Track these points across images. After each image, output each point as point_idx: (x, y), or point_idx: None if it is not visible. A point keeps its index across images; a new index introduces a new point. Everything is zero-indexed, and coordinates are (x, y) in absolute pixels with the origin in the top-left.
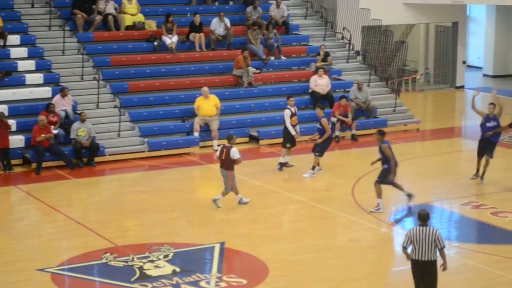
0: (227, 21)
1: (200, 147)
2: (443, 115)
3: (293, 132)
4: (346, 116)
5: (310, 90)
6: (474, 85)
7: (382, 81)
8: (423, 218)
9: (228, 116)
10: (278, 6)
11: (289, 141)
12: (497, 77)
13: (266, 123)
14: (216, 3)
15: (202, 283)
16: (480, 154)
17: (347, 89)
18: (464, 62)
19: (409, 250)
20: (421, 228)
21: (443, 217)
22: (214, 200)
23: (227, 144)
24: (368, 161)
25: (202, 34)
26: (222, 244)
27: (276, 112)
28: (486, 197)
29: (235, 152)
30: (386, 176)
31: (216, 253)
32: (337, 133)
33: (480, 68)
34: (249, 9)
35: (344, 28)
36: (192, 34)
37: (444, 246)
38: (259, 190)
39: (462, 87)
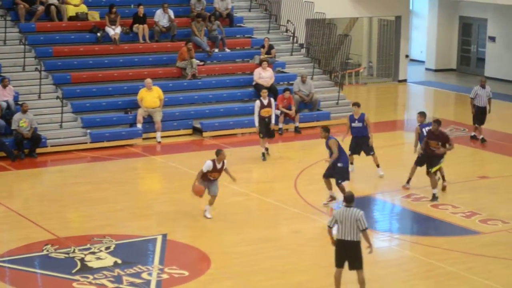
0: (171, 12)
1: (143, 138)
2: (385, 108)
3: (256, 124)
4: (289, 109)
5: (254, 83)
6: (417, 79)
7: (326, 74)
8: (348, 199)
9: (172, 108)
10: None
11: (260, 131)
12: (439, 71)
13: (209, 115)
14: None
15: (144, 275)
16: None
17: (291, 82)
18: (407, 56)
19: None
20: (345, 208)
21: (385, 209)
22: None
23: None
24: (311, 153)
25: (145, 26)
26: (164, 235)
27: (219, 104)
28: (427, 190)
29: (205, 164)
30: (345, 173)
31: (158, 244)
32: (280, 125)
33: (422, 62)
34: (193, 1)
35: (288, 21)
36: (135, 26)
37: (365, 228)
38: None
39: (405, 80)
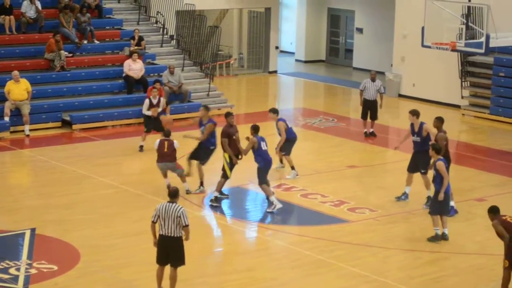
0: (38, 3)
1: (11, 132)
2: (256, 99)
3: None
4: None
5: (124, 75)
6: (287, 70)
7: (196, 66)
8: (171, 194)
9: (40, 101)
10: None
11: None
12: (309, 62)
13: (79, 107)
14: None
15: (12, 270)
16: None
17: (161, 74)
18: (277, 48)
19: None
20: (168, 204)
21: (256, 200)
22: (187, 191)
23: (165, 138)
24: (182, 146)
25: (12, 17)
26: (33, 230)
27: (89, 96)
28: (296, 180)
29: (177, 144)
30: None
31: (26, 239)
32: None
33: (292, 53)
34: None
35: (158, 13)
36: (1, 17)
37: (187, 224)
38: (71, 175)
39: (275, 72)
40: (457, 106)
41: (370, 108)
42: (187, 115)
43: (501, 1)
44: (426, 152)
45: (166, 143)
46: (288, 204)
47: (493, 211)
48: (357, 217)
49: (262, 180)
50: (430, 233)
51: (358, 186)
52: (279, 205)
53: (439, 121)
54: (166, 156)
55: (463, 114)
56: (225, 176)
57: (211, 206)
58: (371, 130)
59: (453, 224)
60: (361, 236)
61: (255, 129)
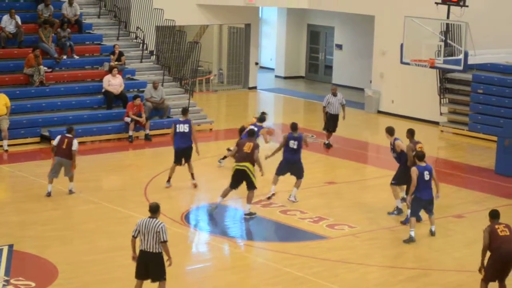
0: (18, 18)
1: None
2: (236, 115)
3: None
4: (139, 116)
5: (103, 90)
6: (267, 86)
7: (176, 81)
8: (152, 210)
9: (19, 116)
10: (70, 4)
11: None
12: (288, 78)
13: (58, 122)
14: (7, 0)
15: None
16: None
17: (141, 89)
18: (256, 63)
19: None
20: (148, 219)
21: (235, 216)
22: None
23: (68, 135)
24: (161, 161)
25: None
26: (10, 246)
27: (68, 111)
28: (276, 196)
29: (76, 144)
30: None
31: (4, 255)
32: (130, 133)
33: (272, 69)
34: (41, 6)
35: (137, 28)
36: None
37: (165, 240)
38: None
39: (255, 88)
40: (436, 123)
41: (333, 121)
42: (166, 131)
43: (480, 18)
44: (399, 167)
45: (66, 140)
46: (267, 221)
47: (491, 215)
48: (336, 233)
49: (277, 171)
50: (410, 249)
51: (337, 203)
52: (271, 194)
53: (408, 133)
54: (65, 151)
55: (441, 131)
56: (254, 187)
57: (245, 219)
58: (327, 141)
59: (432, 240)
60: (340, 252)
61: (294, 128)
